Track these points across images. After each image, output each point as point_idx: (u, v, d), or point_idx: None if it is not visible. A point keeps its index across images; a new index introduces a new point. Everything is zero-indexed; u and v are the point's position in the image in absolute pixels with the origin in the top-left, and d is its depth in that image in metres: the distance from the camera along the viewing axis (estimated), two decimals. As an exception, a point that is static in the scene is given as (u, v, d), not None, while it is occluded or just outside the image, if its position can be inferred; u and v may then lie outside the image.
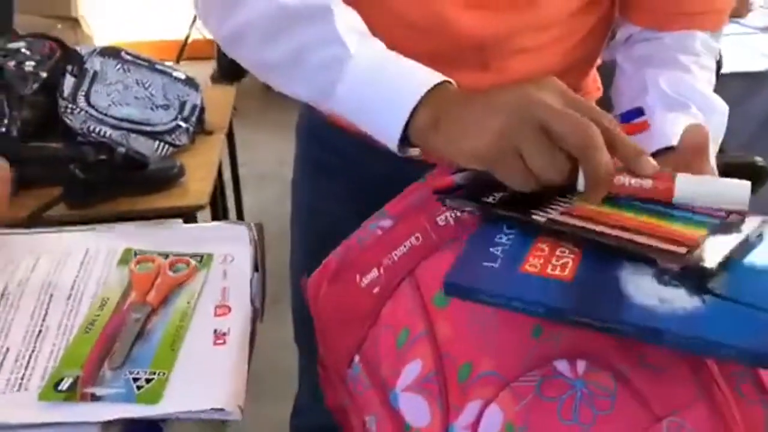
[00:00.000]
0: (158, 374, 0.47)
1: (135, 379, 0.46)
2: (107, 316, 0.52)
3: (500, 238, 0.40)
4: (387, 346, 0.48)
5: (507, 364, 0.40)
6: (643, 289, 0.35)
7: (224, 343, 0.51)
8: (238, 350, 0.50)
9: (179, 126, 1.45)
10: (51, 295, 0.55)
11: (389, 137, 0.54)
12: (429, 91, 0.52)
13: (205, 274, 0.58)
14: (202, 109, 1.53)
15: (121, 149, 1.28)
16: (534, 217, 0.41)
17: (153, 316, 0.53)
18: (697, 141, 0.49)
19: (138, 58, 1.53)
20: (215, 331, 0.52)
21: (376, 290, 0.50)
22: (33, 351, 0.49)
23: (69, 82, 1.38)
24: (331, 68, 0.56)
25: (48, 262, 0.58)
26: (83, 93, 1.38)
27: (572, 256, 0.38)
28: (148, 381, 0.46)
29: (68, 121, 1.36)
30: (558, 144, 0.43)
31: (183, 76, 1.54)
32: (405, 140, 0.53)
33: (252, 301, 0.56)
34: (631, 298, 0.35)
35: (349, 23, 0.57)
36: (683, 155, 0.49)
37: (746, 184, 0.43)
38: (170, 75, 1.53)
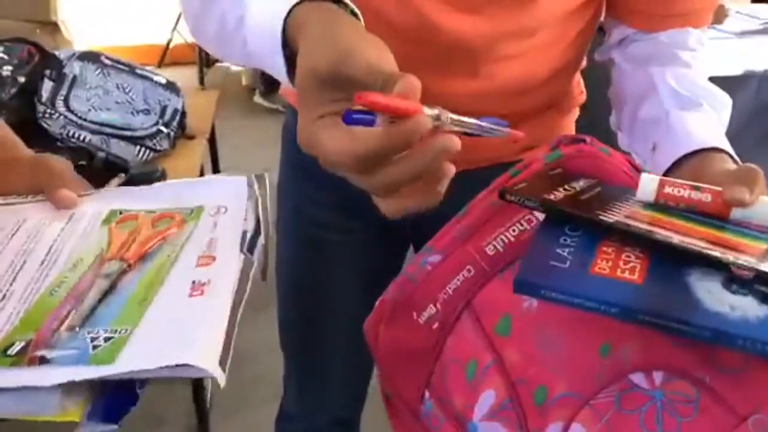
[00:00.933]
0: (120, 332, 0.41)
1: (93, 339, 0.41)
2: (76, 277, 0.47)
3: (565, 239, 0.41)
4: (456, 379, 0.48)
5: (582, 384, 0.40)
6: (714, 295, 0.36)
7: (201, 293, 0.44)
8: (218, 301, 0.44)
9: (160, 131, 1.45)
10: (24, 261, 0.49)
11: (281, 75, 0.51)
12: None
13: (193, 227, 0.51)
14: (184, 114, 1.53)
15: (102, 154, 1.27)
16: (602, 217, 0.41)
17: (128, 272, 0.47)
18: (751, 177, 0.48)
19: (118, 62, 1.52)
20: (193, 282, 0.45)
21: (435, 326, 0.50)
22: None
23: (48, 86, 1.37)
24: (239, 28, 0.55)
25: (30, 227, 0.53)
26: (62, 98, 1.37)
27: (638, 260, 0.39)
28: (107, 340, 0.41)
29: (47, 126, 1.34)
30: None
31: (164, 81, 1.53)
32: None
33: (245, 250, 0.49)
34: (702, 302, 0.36)
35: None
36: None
37: None
38: (151, 80, 1.52)
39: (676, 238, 0.39)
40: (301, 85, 0.42)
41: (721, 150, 0.60)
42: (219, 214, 0.53)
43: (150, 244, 0.49)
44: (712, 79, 0.70)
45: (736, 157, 0.60)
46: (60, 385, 0.38)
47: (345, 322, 0.92)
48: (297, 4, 0.48)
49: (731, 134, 0.65)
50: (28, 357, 0.40)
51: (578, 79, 0.83)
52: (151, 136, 1.43)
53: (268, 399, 1.22)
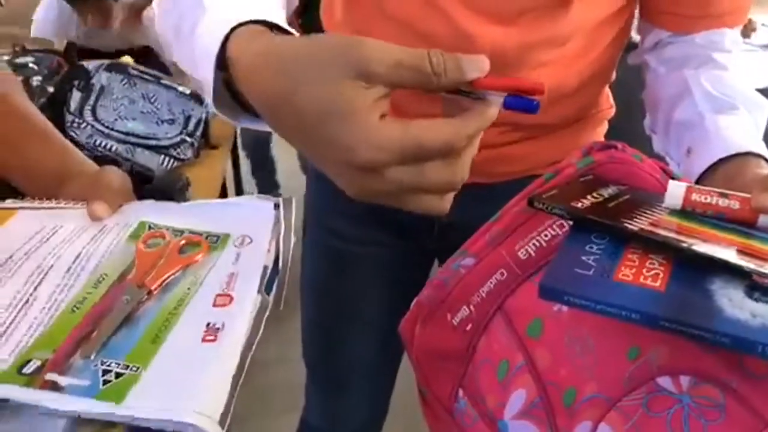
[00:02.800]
0: (131, 369, 0.41)
1: (105, 372, 0.41)
2: (99, 296, 0.47)
3: (591, 247, 0.42)
4: (488, 379, 0.49)
5: (610, 386, 0.41)
6: (736, 302, 0.36)
7: (214, 339, 0.44)
8: (229, 350, 0.43)
9: (184, 140, 1.47)
10: (52, 265, 0.50)
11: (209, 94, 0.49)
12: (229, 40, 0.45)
13: (216, 258, 0.51)
14: (207, 124, 1.55)
15: (127, 163, 1.30)
16: (627, 225, 0.42)
17: (148, 300, 0.47)
18: None
19: (144, 72, 1.55)
20: (208, 324, 0.45)
21: (468, 327, 0.52)
22: (13, 320, 0.45)
23: (76, 96, 1.40)
24: (192, 33, 0.51)
25: (64, 232, 0.53)
26: (90, 107, 1.40)
27: (662, 267, 0.40)
28: (118, 376, 0.40)
29: (75, 136, 1.37)
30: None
31: (188, 91, 1.56)
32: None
33: (263, 290, 0.49)
34: (723, 310, 0.36)
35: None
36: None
37: None
38: (176, 90, 1.55)
39: (700, 246, 0.40)
40: (345, 98, 0.39)
41: (757, 155, 0.59)
42: (243, 245, 0.52)
43: (172, 271, 0.49)
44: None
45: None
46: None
47: (368, 336, 0.94)
48: (237, 26, 0.45)
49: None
50: (41, 379, 0.40)
51: (607, 93, 0.83)
52: (176, 146, 1.46)
53: (285, 409, 1.23)
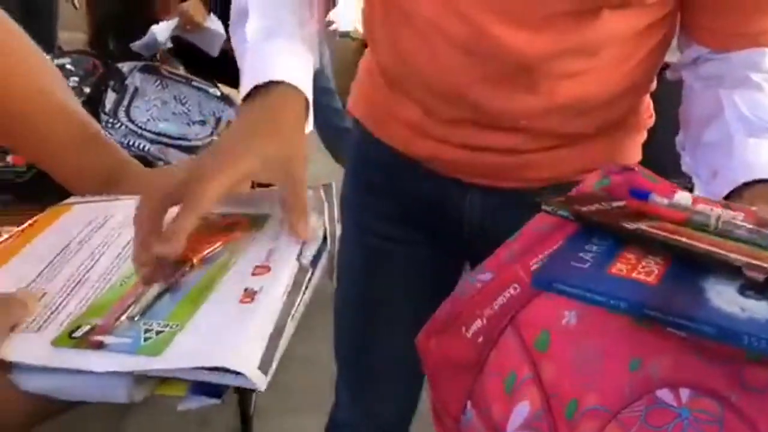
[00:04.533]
0: (171, 327, 0.43)
1: (147, 330, 0.43)
2: None
3: (590, 247, 0.43)
4: (495, 391, 0.50)
5: (610, 398, 0.42)
6: (726, 297, 0.37)
7: (251, 300, 0.45)
8: (266, 309, 0.44)
9: (214, 141, 1.50)
10: (103, 252, 0.52)
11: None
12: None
13: (256, 234, 0.53)
14: (236, 125, 1.58)
15: (159, 163, 1.34)
16: (625, 225, 0.43)
17: (189, 272, 0.49)
18: None
19: (176, 74, 1.59)
20: (245, 289, 0.46)
21: (480, 339, 0.53)
22: (66, 298, 0.48)
23: (111, 97, 1.44)
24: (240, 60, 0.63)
25: (115, 222, 0.56)
26: (124, 108, 1.44)
27: (658, 266, 0.41)
28: (158, 333, 0.43)
29: (110, 135, 1.41)
30: None
31: (218, 93, 1.59)
32: None
33: (302, 261, 0.50)
34: (711, 301, 0.37)
35: (258, 24, 0.64)
36: None
37: None
38: (206, 91, 1.59)
39: (701, 245, 0.40)
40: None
41: None
42: (283, 225, 0.53)
43: (214, 246, 0.51)
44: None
45: None
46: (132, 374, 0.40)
47: (400, 334, 0.93)
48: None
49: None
50: (88, 341, 0.43)
51: (648, 102, 0.83)
52: (206, 146, 1.50)
53: (308, 408, 1.25)
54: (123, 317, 0.44)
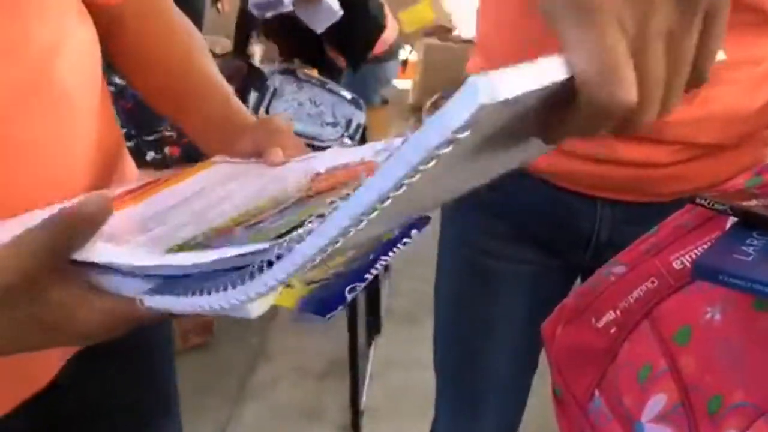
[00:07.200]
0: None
1: (258, 230, 0.40)
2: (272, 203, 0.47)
3: (751, 241, 0.42)
4: (628, 381, 0.50)
5: (759, 395, 0.41)
6: None
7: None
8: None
9: (345, 143, 1.56)
10: (227, 197, 0.51)
11: None
12: None
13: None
14: (365, 128, 1.64)
15: (292, 160, 1.40)
16: None
17: (316, 197, 0.46)
18: None
19: (311, 77, 1.66)
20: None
21: (612, 330, 0.53)
22: (182, 227, 0.46)
23: (253, 96, 1.53)
24: None
25: (244, 178, 0.56)
26: (264, 107, 1.53)
27: None
28: (268, 230, 0.39)
29: (251, 132, 1.50)
30: None
31: (349, 97, 1.65)
32: None
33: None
34: None
35: None
36: None
37: None
38: (338, 94, 1.65)
39: None
40: None
41: None
42: None
43: (340, 180, 0.48)
44: None
45: None
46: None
47: (506, 352, 0.93)
48: None
49: None
50: (200, 245, 0.41)
51: None
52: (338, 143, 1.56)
53: (418, 412, 1.26)
54: (237, 228, 0.42)
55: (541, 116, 0.31)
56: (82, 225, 0.39)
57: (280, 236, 0.37)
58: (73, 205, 0.39)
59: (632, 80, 0.29)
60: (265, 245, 0.36)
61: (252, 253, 0.36)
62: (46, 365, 0.59)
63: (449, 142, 0.26)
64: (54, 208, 0.43)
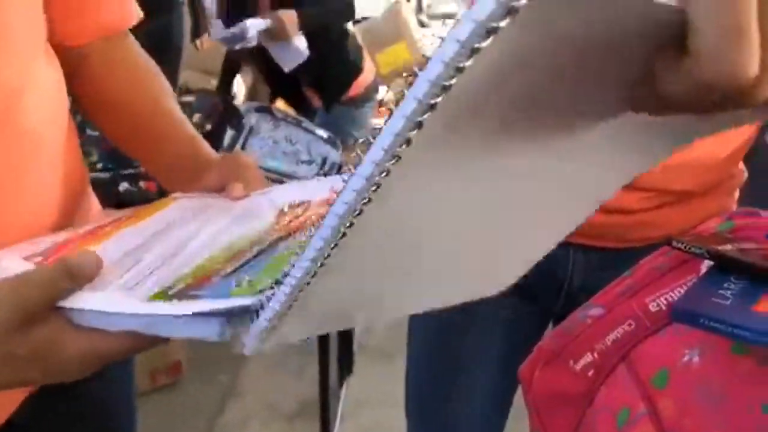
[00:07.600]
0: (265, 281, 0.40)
1: (238, 283, 0.41)
2: (243, 244, 0.48)
3: (728, 284, 0.42)
4: (606, 425, 0.50)
5: None
6: None
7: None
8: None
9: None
10: (199, 232, 0.52)
11: None
12: None
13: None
14: (341, 166, 1.65)
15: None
16: None
17: (286, 240, 0.47)
18: None
19: (287, 116, 1.68)
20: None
21: (590, 373, 0.53)
22: (161, 266, 0.47)
23: (229, 134, 1.53)
24: None
25: (211, 211, 0.57)
26: (240, 145, 1.53)
27: None
28: (249, 283, 0.41)
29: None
30: None
31: (325, 136, 1.67)
32: None
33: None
34: None
35: None
36: None
37: None
38: (314, 133, 1.66)
39: None
40: None
41: None
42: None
43: (315, 217, 0.49)
44: None
45: None
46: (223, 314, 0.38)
47: (476, 394, 0.92)
48: None
49: None
50: (182, 294, 0.41)
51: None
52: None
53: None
54: (217, 277, 0.43)
55: (648, 59, 0.25)
56: (81, 281, 0.41)
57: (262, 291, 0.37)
58: (74, 262, 0.41)
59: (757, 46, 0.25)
60: (248, 301, 0.37)
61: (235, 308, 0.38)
62: (2, 403, 0.57)
63: (480, 38, 0.20)
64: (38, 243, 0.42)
